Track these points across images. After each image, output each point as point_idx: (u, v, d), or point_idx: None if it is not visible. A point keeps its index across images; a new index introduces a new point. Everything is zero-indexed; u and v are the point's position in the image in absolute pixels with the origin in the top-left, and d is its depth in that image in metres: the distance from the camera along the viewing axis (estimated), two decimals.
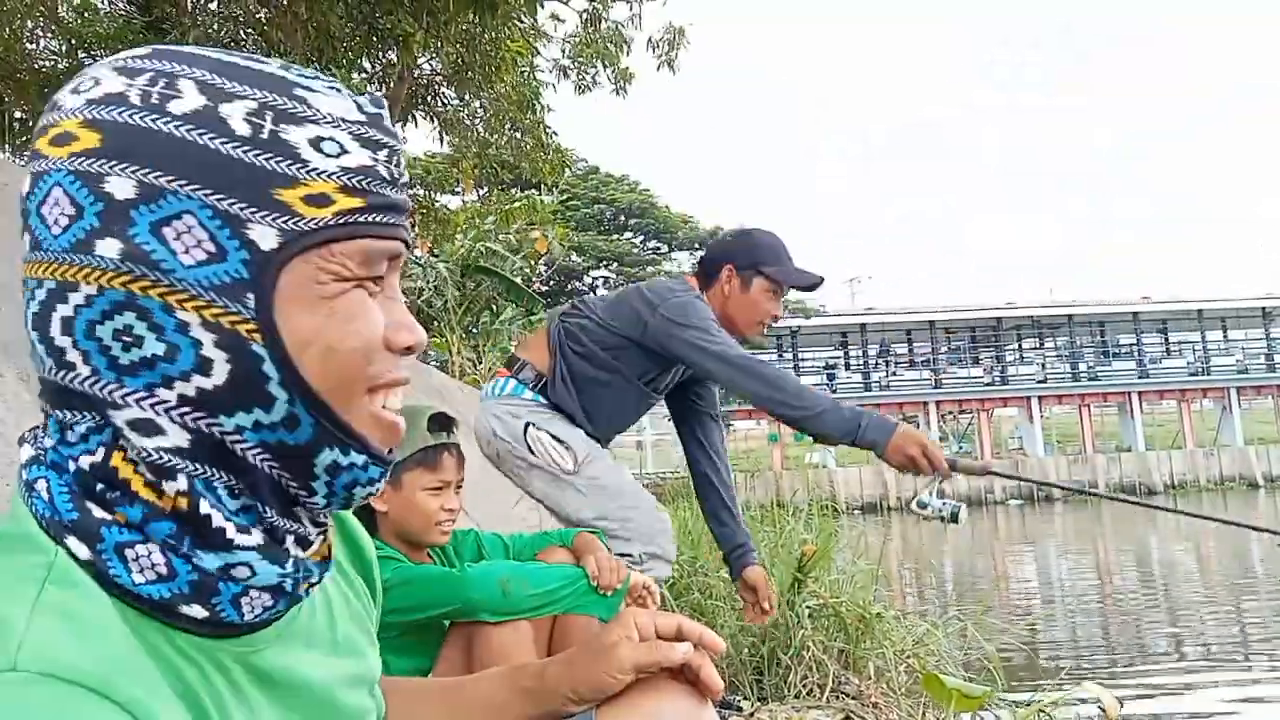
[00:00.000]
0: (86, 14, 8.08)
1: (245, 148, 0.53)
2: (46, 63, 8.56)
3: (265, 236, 0.53)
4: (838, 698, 2.94)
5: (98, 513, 0.53)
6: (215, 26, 8.25)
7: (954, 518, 2.19)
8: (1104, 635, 6.94)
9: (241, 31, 8.27)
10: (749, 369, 2.20)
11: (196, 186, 0.52)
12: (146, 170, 0.52)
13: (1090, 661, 6.01)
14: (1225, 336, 35.84)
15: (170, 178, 0.52)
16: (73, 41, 8.21)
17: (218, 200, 0.52)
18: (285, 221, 0.53)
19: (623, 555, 2.11)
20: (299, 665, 0.61)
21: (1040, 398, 32.77)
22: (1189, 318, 34.50)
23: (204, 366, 0.53)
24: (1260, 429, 35.79)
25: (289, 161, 0.54)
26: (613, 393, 2.36)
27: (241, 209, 0.53)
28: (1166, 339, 35.57)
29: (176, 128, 0.52)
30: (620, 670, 0.78)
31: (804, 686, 2.93)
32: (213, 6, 8.50)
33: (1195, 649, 6.46)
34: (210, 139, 0.52)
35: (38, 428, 0.57)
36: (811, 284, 2.47)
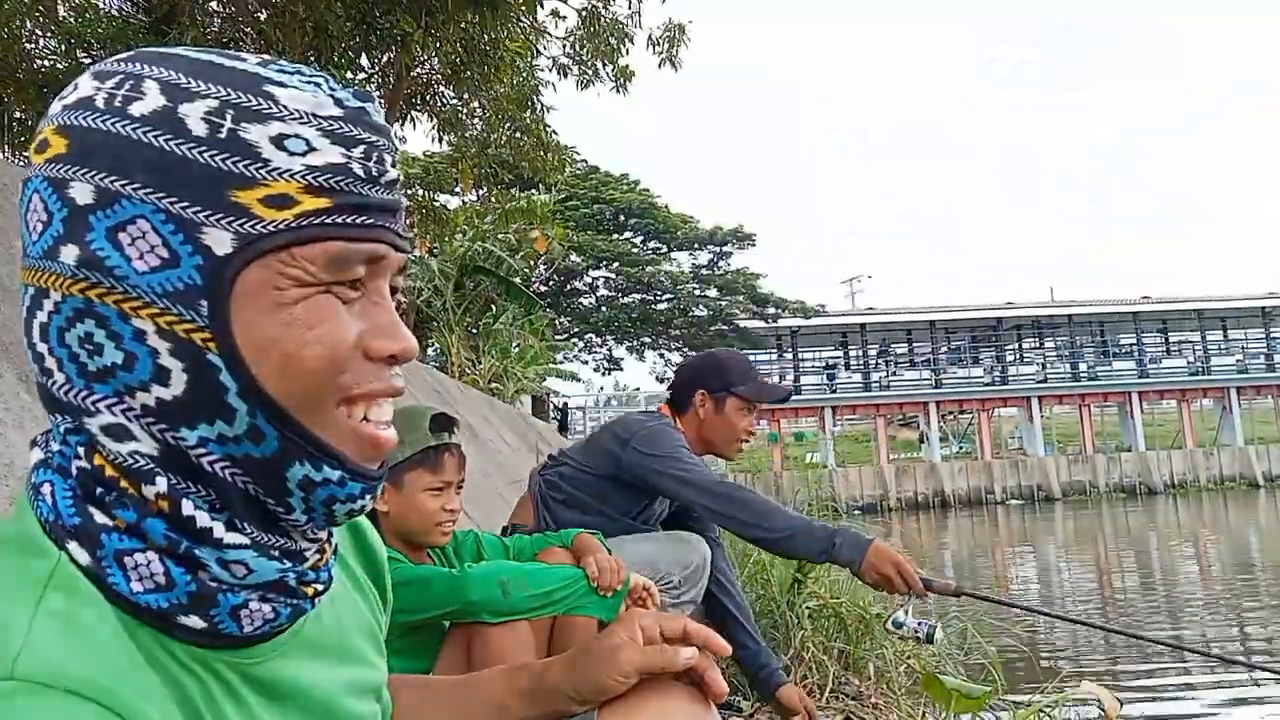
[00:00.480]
0: (86, 14, 8.07)
1: (201, 148, 0.50)
2: (46, 63, 8.55)
3: (219, 241, 0.50)
4: (838, 698, 2.94)
5: (99, 518, 0.52)
6: (215, 26, 8.24)
7: (929, 639, 2.15)
8: (1104, 635, 6.93)
9: (241, 31, 8.25)
10: (719, 494, 2.26)
11: (150, 190, 0.50)
12: (103, 174, 0.50)
13: (1090, 661, 6.01)
14: (1225, 336, 35.89)
15: (125, 181, 0.50)
16: (72, 41, 8.20)
17: (171, 204, 0.50)
18: (241, 225, 0.51)
19: (672, 587, 2.20)
20: (302, 675, 0.60)
21: (1040, 397, 32.80)
22: (1189, 317, 34.55)
23: (162, 376, 0.51)
24: (1260, 428, 35.82)
25: (248, 161, 0.51)
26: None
27: (195, 212, 0.50)
28: (1166, 339, 35.62)
29: (133, 130, 0.51)
30: (623, 674, 0.78)
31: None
32: (213, 6, 8.48)
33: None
34: (166, 140, 0.50)
35: (49, 431, 0.57)
36: (781, 397, 2.63)
